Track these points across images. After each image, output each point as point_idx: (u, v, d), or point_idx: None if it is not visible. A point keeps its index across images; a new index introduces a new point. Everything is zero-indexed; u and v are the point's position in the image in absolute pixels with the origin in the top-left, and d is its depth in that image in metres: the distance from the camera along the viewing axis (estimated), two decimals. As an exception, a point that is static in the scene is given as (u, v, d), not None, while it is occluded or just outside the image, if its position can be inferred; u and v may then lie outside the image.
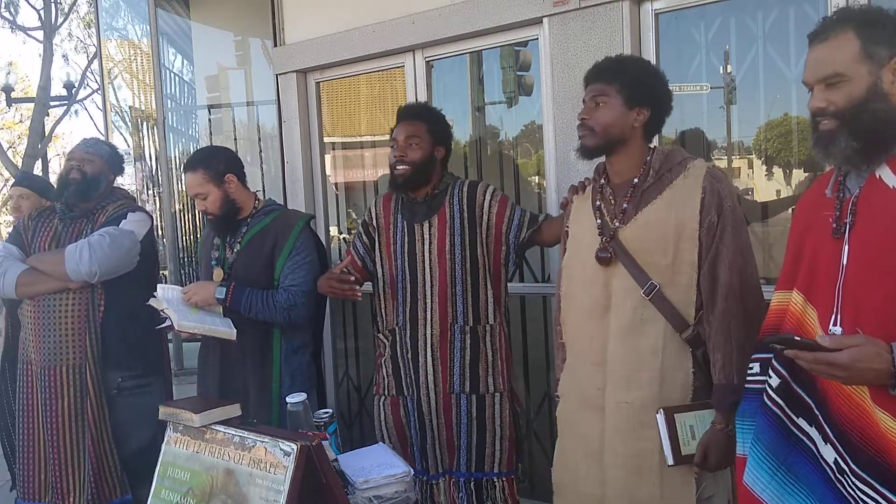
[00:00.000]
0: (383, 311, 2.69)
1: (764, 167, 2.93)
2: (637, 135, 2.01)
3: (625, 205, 2.00)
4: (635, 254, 1.95)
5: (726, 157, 3.00)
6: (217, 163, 2.69)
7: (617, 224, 1.99)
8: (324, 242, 3.89)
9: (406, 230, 2.62)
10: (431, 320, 2.57)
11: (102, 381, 2.84)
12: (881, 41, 1.39)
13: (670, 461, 1.87)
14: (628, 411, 1.94)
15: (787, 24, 2.71)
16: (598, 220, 2.03)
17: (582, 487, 2.04)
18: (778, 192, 2.91)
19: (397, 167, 2.56)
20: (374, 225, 2.71)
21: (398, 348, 2.64)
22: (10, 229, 3.41)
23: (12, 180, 4.64)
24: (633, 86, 1.99)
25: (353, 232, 4.15)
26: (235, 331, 2.55)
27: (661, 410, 1.88)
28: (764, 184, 2.91)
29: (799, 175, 2.85)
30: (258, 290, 2.59)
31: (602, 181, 2.10)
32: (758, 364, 1.61)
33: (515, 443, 2.61)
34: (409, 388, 2.61)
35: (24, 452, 2.91)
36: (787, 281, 1.56)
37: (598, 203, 2.07)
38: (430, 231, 2.58)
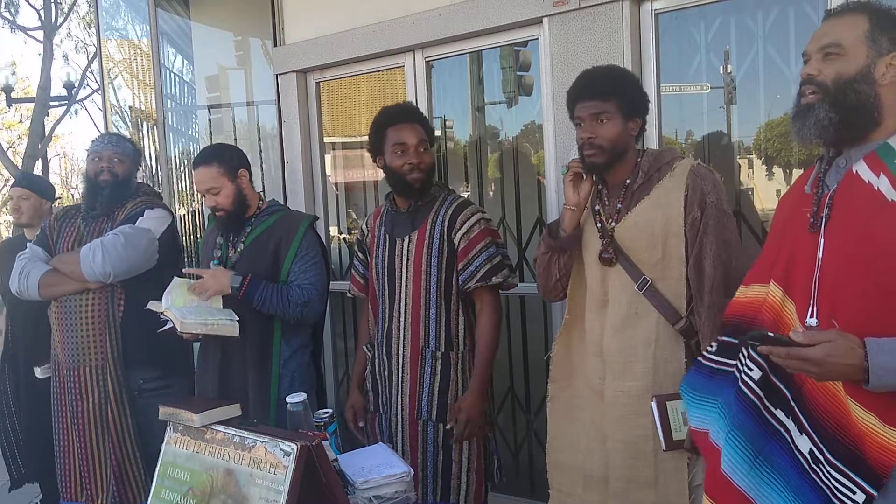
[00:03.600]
0: (370, 322, 2.67)
1: (764, 167, 2.93)
2: (632, 143, 2.11)
3: (618, 205, 2.09)
4: (628, 251, 2.05)
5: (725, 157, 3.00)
6: (231, 158, 2.68)
7: (613, 224, 2.08)
8: (324, 242, 3.89)
9: (388, 243, 2.55)
10: (404, 340, 2.49)
11: (124, 383, 2.81)
12: (887, 32, 1.43)
13: (663, 446, 1.96)
14: (625, 400, 2.05)
15: (787, 24, 2.72)
16: (598, 224, 2.12)
17: (589, 468, 2.14)
18: (778, 192, 2.91)
19: (412, 174, 2.45)
20: (366, 241, 2.69)
21: (376, 365, 2.60)
22: (10, 229, 3.39)
23: (12, 180, 4.63)
24: (628, 99, 2.06)
25: (353, 232, 4.15)
26: (238, 325, 2.52)
27: (654, 398, 1.97)
28: (764, 184, 2.92)
29: (799, 174, 2.85)
30: (273, 284, 2.57)
31: (599, 185, 2.17)
32: (717, 345, 1.66)
33: (485, 475, 2.52)
34: (384, 407, 2.56)
35: (61, 453, 2.90)
36: (764, 274, 1.59)
37: (596, 207, 2.15)
38: (409, 247, 2.50)
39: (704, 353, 1.74)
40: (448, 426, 2.42)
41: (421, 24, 3.30)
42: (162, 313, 2.51)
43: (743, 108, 2.90)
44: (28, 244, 3.04)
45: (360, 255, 2.73)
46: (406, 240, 2.51)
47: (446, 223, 2.46)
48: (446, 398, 2.45)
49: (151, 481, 2.76)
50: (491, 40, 3.22)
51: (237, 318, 2.53)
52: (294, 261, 2.62)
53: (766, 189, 2.89)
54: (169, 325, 2.51)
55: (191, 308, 2.54)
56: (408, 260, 2.49)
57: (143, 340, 2.79)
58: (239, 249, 2.68)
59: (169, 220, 2.93)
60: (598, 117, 2.03)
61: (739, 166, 2.95)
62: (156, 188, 5.55)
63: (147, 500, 2.78)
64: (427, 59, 3.41)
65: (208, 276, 2.58)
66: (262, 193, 2.85)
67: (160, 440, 2.76)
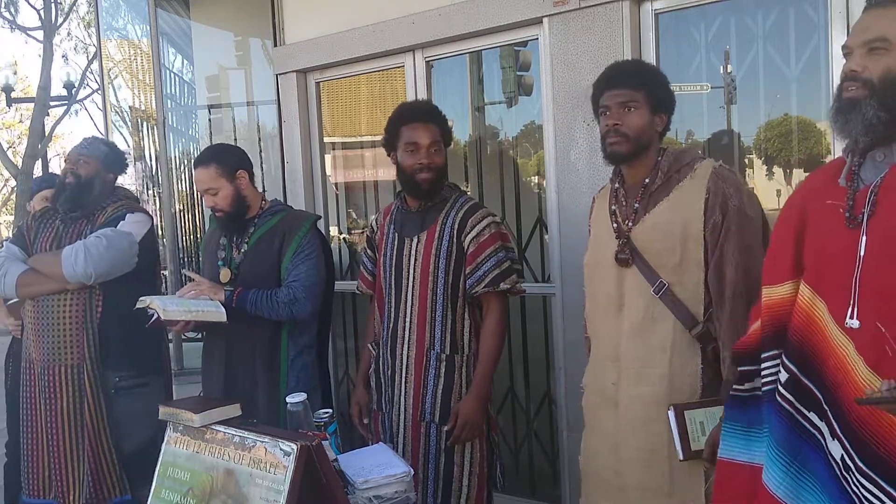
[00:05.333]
0: (376, 321, 2.66)
1: (764, 167, 2.93)
2: (656, 140, 2.07)
3: (636, 205, 2.05)
4: (645, 253, 2.01)
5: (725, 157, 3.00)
6: (230, 158, 2.68)
7: (630, 224, 2.04)
8: (324, 242, 3.89)
9: (396, 242, 2.54)
10: (410, 341, 2.48)
11: (101, 382, 2.84)
12: None
13: (681, 456, 1.92)
14: (639, 406, 2.01)
15: (787, 24, 2.72)
16: (615, 224, 2.08)
17: (603, 476, 2.12)
18: (778, 191, 2.91)
19: (422, 174, 2.43)
20: (375, 238, 2.68)
21: (380, 363, 2.59)
22: (10, 229, 3.38)
23: (12, 180, 4.62)
24: (657, 92, 2.04)
25: (353, 231, 4.15)
26: (225, 311, 2.52)
27: (672, 407, 1.93)
28: (764, 183, 2.92)
29: (799, 175, 2.85)
30: (261, 289, 2.58)
31: (617, 184, 2.13)
32: (772, 361, 1.54)
33: (487, 481, 2.50)
34: (387, 406, 2.56)
35: (28, 449, 2.92)
36: (788, 272, 1.51)
37: (613, 207, 2.11)
38: (417, 247, 2.48)
39: (735, 386, 1.64)
40: (446, 428, 2.42)
41: (421, 24, 3.30)
42: (148, 307, 2.51)
43: (743, 108, 2.90)
44: (4, 243, 3.05)
45: (368, 251, 2.72)
46: (415, 240, 2.49)
47: (456, 225, 2.44)
48: (450, 401, 2.43)
49: (126, 477, 2.85)
50: (491, 40, 3.21)
51: (223, 307, 2.53)
52: (291, 258, 2.63)
53: (766, 189, 2.90)
54: (154, 317, 2.49)
55: (174, 299, 2.56)
56: (416, 261, 2.47)
57: (121, 341, 2.83)
58: (243, 250, 2.68)
59: (149, 224, 2.96)
60: (625, 105, 2.00)
61: (746, 165, 2.95)
62: (156, 188, 5.56)
63: (121, 497, 2.84)
64: (427, 59, 3.41)
65: (207, 283, 2.63)
66: (264, 194, 2.85)
67: (136, 437, 2.83)
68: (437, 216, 2.48)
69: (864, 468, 1.28)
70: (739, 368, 1.63)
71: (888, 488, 1.25)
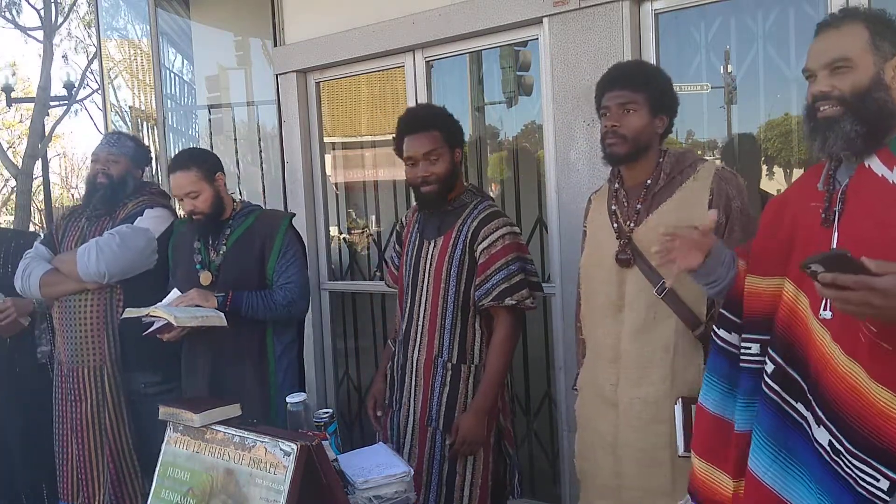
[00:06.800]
0: (397, 317, 2.65)
1: (764, 167, 2.93)
2: (656, 141, 2.06)
3: (638, 206, 2.05)
4: (648, 254, 1.99)
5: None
6: (208, 161, 2.68)
7: (631, 225, 2.04)
8: (324, 243, 3.90)
9: (418, 244, 2.51)
10: (420, 345, 2.44)
11: (123, 385, 2.79)
12: (887, 37, 1.45)
13: (681, 450, 1.90)
14: (640, 407, 2.00)
15: (787, 24, 2.72)
16: (615, 225, 2.08)
17: (600, 479, 2.11)
18: (778, 191, 2.91)
19: (423, 187, 2.38)
20: (403, 234, 2.64)
21: (395, 361, 2.57)
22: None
23: (12, 180, 4.62)
24: (658, 94, 2.04)
25: (353, 231, 4.15)
26: (224, 316, 2.50)
27: (680, 400, 1.92)
28: (764, 183, 2.92)
29: (799, 174, 2.85)
30: (255, 291, 2.59)
31: (616, 185, 2.13)
32: (757, 345, 1.60)
33: (490, 488, 2.44)
34: (396, 405, 2.54)
35: (60, 454, 2.89)
36: (775, 268, 1.57)
37: (613, 207, 2.11)
38: (433, 251, 2.43)
39: (741, 354, 1.65)
40: (448, 442, 2.39)
41: (421, 24, 3.30)
42: (146, 315, 2.44)
43: (743, 108, 2.90)
44: (35, 243, 3.02)
45: (397, 246, 2.70)
46: (432, 243, 2.45)
47: (470, 234, 2.38)
48: (454, 409, 2.40)
49: (150, 484, 2.81)
50: (491, 40, 3.22)
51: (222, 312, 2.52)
52: (277, 259, 2.64)
53: (766, 189, 2.90)
54: (158, 325, 2.45)
55: (180, 308, 2.50)
56: (431, 265, 2.44)
57: (144, 342, 2.70)
58: (221, 252, 2.66)
59: (170, 219, 2.89)
60: (624, 107, 2.00)
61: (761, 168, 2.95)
62: (156, 188, 5.53)
63: (144, 503, 2.81)
64: (427, 59, 3.41)
65: (195, 292, 2.56)
66: (233, 195, 2.82)
67: (161, 443, 2.78)
68: (454, 221, 2.43)
69: (853, 450, 1.33)
70: (721, 310, 1.69)
71: (879, 466, 1.29)
